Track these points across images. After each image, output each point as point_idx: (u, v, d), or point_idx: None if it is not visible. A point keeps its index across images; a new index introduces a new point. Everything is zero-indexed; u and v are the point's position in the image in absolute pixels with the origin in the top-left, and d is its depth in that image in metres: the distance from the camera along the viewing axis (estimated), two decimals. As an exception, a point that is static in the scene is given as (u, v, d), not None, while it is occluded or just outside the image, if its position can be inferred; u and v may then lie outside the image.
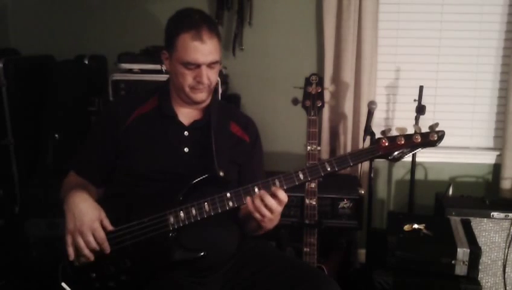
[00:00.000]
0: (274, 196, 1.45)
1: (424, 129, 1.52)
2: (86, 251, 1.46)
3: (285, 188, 1.47)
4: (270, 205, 1.45)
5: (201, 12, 1.60)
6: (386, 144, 1.48)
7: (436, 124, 1.50)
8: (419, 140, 1.48)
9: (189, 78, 1.58)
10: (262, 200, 1.45)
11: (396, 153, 1.48)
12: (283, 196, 1.46)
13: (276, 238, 2.39)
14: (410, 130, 1.52)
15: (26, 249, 2.32)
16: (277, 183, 1.47)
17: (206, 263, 1.54)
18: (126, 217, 1.51)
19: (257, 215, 1.46)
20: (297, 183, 1.48)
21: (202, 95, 1.62)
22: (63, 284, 1.51)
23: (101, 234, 1.46)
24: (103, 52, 2.81)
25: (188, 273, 1.55)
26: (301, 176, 1.48)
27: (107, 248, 1.47)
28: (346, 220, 2.46)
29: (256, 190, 1.47)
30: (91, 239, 1.45)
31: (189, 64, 1.55)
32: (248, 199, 1.46)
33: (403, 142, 1.48)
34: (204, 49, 1.54)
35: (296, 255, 2.28)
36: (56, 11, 2.94)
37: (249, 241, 1.70)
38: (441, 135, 1.49)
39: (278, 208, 1.46)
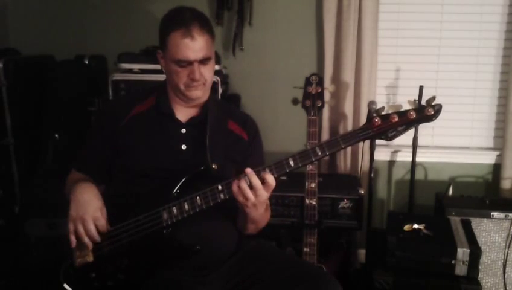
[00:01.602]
0: (262, 181, 1.43)
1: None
2: (86, 239, 1.48)
3: (275, 176, 1.44)
4: (255, 185, 1.41)
5: (192, 10, 1.59)
6: (379, 122, 1.41)
7: (433, 98, 1.41)
8: (414, 116, 1.39)
9: (182, 76, 1.58)
10: (249, 181, 1.42)
11: (390, 132, 1.41)
12: (271, 179, 1.43)
13: (276, 238, 2.39)
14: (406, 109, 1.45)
15: (26, 249, 2.33)
16: (267, 171, 1.45)
17: (204, 260, 1.55)
18: (124, 215, 1.52)
19: (241, 198, 1.43)
20: (287, 171, 1.45)
21: (198, 92, 1.62)
22: (65, 286, 1.52)
23: (103, 222, 1.49)
24: (103, 52, 2.81)
25: (188, 272, 1.55)
26: (292, 162, 1.44)
27: (105, 230, 1.49)
28: (346, 220, 2.46)
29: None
30: (92, 227, 1.47)
31: (181, 62, 1.56)
32: (234, 182, 1.44)
33: (396, 119, 1.40)
34: (194, 46, 1.53)
35: (296, 255, 2.28)
36: (56, 11, 2.94)
37: (249, 241, 1.70)
38: (438, 109, 1.39)
39: (264, 193, 1.43)
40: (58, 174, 1.77)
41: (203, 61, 1.57)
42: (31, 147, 2.56)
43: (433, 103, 1.40)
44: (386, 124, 1.41)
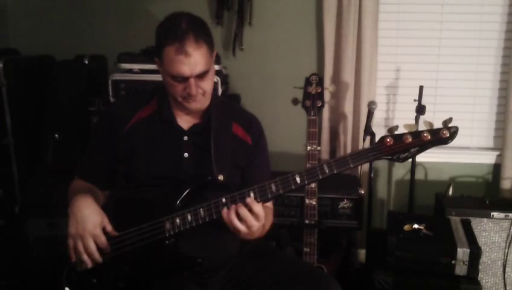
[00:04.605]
0: (250, 210, 1.39)
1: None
2: (85, 256, 1.45)
3: (281, 192, 1.41)
4: (243, 215, 1.39)
5: (188, 18, 1.50)
6: (391, 143, 1.33)
7: (450, 119, 1.34)
8: (428, 137, 1.32)
9: (179, 89, 1.52)
10: (237, 213, 1.39)
11: (402, 153, 1.33)
12: (258, 209, 1.39)
13: (276, 238, 2.39)
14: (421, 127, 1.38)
15: (26, 249, 2.33)
16: (273, 187, 1.41)
17: (206, 266, 1.54)
18: (126, 222, 1.50)
19: (231, 227, 1.41)
20: (293, 188, 1.40)
21: (196, 104, 1.56)
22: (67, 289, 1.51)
23: (103, 240, 1.46)
24: (103, 52, 2.81)
25: (188, 274, 1.54)
26: (298, 179, 1.40)
27: (108, 249, 1.47)
28: (346, 220, 2.46)
29: (252, 194, 1.41)
30: (91, 245, 1.44)
31: (176, 78, 1.50)
32: (224, 210, 1.41)
33: (410, 140, 1.32)
34: (189, 62, 1.46)
35: (296, 255, 2.28)
36: (56, 11, 2.94)
37: (249, 242, 1.69)
38: (454, 132, 1.32)
39: (254, 222, 1.39)
40: (58, 174, 1.77)
41: (200, 75, 1.50)
42: (31, 147, 2.56)
43: (449, 125, 1.34)
44: (399, 145, 1.33)
